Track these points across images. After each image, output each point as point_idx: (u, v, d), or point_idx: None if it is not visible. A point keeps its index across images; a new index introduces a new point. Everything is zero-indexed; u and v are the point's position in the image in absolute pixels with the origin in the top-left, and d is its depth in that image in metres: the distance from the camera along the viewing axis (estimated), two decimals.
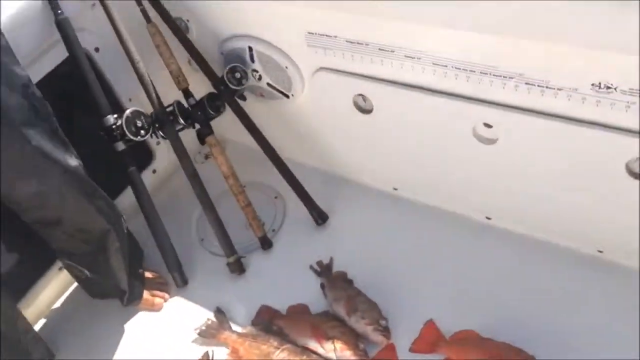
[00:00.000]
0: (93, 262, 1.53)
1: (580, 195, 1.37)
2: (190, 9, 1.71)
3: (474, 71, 1.29)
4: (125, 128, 1.54)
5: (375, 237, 1.71)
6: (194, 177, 1.65)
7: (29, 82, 1.30)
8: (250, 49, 1.67)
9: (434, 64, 1.35)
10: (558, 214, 1.48)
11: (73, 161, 1.35)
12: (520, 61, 1.22)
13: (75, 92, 1.61)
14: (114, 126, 1.55)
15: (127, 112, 1.56)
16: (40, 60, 1.53)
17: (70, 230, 1.43)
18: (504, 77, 1.26)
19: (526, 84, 1.24)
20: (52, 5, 1.48)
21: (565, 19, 1.06)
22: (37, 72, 1.50)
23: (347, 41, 1.46)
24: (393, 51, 1.39)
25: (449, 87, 1.37)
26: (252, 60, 1.69)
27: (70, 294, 1.79)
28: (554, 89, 1.21)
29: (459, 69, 1.32)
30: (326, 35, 1.49)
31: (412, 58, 1.37)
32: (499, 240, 1.62)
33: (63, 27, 1.49)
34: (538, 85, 1.23)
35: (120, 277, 1.57)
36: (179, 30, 1.68)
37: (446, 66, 1.33)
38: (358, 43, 1.44)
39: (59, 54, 1.55)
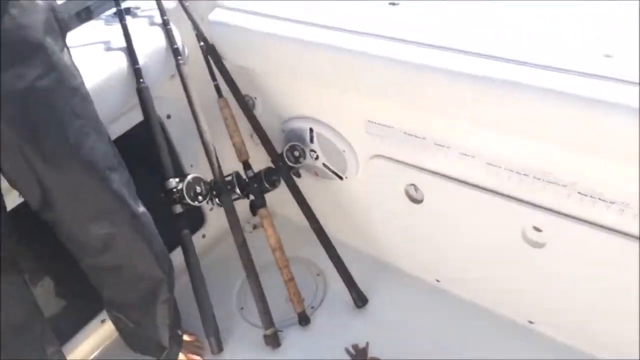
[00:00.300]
0: (141, 313, 1.58)
1: (628, 312, 1.35)
2: (259, 88, 1.82)
3: (528, 175, 1.33)
4: (185, 192, 1.62)
5: (413, 326, 1.70)
6: (243, 247, 1.70)
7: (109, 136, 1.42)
8: (311, 130, 1.76)
9: (488, 163, 1.39)
10: (602, 326, 1.45)
11: (140, 207, 1.45)
12: (574, 171, 1.25)
13: (140, 152, 1.71)
14: (174, 189, 1.63)
15: (189, 177, 1.64)
16: (118, 121, 1.64)
17: (127, 277, 1.50)
18: (556, 184, 1.29)
19: (579, 193, 1.27)
20: (136, 74, 1.60)
21: (621, 137, 1.09)
22: (113, 131, 1.61)
23: (404, 133, 1.52)
24: (449, 147, 1.45)
25: (501, 188, 1.40)
26: (312, 141, 1.77)
27: (106, 347, 1.83)
28: (606, 201, 1.23)
29: (513, 171, 1.35)
30: (385, 125, 1.56)
31: (467, 155, 1.42)
32: (540, 345, 1.59)
33: (143, 95, 1.61)
34: (590, 196, 1.25)
35: (163, 332, 1.61)
36: (247, 106, 1.79)
37: (500, 167, 1.37)
38: (415, 136, 1.50)
39: (135, 117, 1.66)
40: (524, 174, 1.33)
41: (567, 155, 1.23)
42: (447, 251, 1.68)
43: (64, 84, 1.27)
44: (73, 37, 1.57)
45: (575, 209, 1.29)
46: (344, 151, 1.71)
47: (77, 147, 1.28)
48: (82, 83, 1.33)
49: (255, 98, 1.87)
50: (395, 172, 1.61)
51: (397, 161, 1.59)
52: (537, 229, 1.40)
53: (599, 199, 1.24)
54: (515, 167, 1.34)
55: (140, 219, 1.44)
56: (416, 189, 1.61)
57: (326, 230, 1.79)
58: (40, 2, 1.23)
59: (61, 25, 1.31)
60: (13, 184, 1.29)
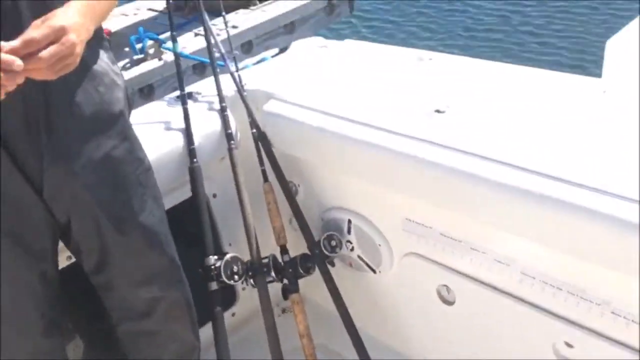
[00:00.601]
0: None
1: None
2: (304, 176, 1.90)
3: (561, 289, 1.34)
4: (222, 270, 1.67)
5: None
6: (272, 330, 1.71)
7: None
8: (350, 221, 1.81)
9: (522, 273, 1.41)
10: None
11: (183, 272, 1.51)
12: (609, 290, 1.26)
13: (183, 227, 1.78)
14: (212, 266, 1.69)
15: (228, 256, 1.70)
16: (167, 196, 1.72)
17: (162, 343, 1.52)
18: (590, 301, 1.29)
19: (612, 313, 1.27)
20: (190, 154, 1.71)
21: None
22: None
23: (441, 234, 1.56)
24: (484, 253, 1.47)
25: (534, 299, 1.41)
26: (349, 232, 1.82)
27: None
28: None
29: (547, 283, 1.37)
30: (422, 225, 1.60)
31: (502, 263, 1.44)
32: None
33: (194, 173, 1.70)
34: (624, 317, 1.25)
35: None
36: (290, 192, 1.85)
37: (534, 278, 1.39)
38: (451, 238, 1.54)
39: (184, 194, 1.75)
40: (558, 288, 1.34)
41: (603, 274, 1.24)
42: (475, 357, 1.66)
43: (133, 154, 1.38)
44: (141, 114, 1.71)
45: (608, 328, 1.29)
46: (379, 245, 1.75)
47: (139, 213, 1.38)
48: (146, 155, 1.44)
49: (298, 185, 1.95)
50: (428, 271, 1.63)
51: (432, 261, 1.62)
52: (569, 345, 1.39)
53: (632, 321, 1.23)
54: (549, 280, 1.35)
55: (185, 284, 1.50)
56: (448, 290, 1.63)
57: (355, 321, 1.80)
58: (119, 81, 1.36)
59: (129, 102, 1.44)
60: (73, 246, 1.37)
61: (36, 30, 1.05)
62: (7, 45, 1.01)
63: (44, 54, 1.04)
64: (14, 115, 1.17)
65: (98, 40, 1.28)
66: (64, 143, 1.24)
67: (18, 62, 1.00)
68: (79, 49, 1.09)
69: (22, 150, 1.20)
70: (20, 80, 1.03)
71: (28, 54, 1.03)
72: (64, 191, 1.27)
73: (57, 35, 1.05)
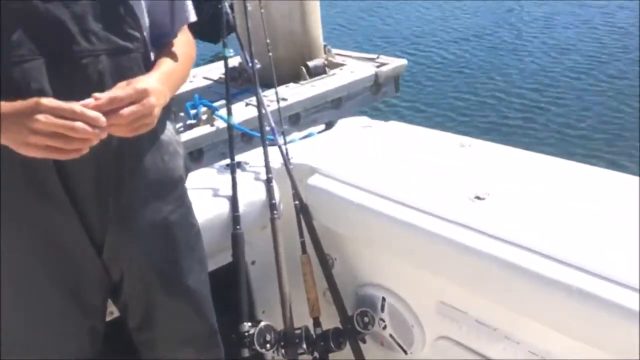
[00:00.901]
0: None
1: None
2: (341, 251, 1.93)
3: None
4: (255, 338, 1.69)
5: None
6: None
7: None
8: (384, 299, 1.82)
9: None
10: None
11: (219, 337, 1.56)
12: None
13: (219, 292, 1.82)
14: (246, 333, 1.71)
15: (262, 324, 1.72)
16: (209, 259, 1.77)
17: None
18: None
19: None
20: (234, 220, 1.77)
21: None
22: None
23: (476, 320, 1.56)
24: (518, 343, 1.46)
25: None
26: (382, 310, 1.83)
27: None
28: None
29: None
30: (457, 310, 1.60)
31: (536, 356, 1.42)
32: None
33: (236, 239, 1.76)
34: None
35: None
36: (326, 265, 1.88)
37: None
38: (486, 325, 1.53)
39: (225, 258, 1.80)
40: None
41: None
42: None
43: (187, 219, 1.45)
44: (193, 179, 1.79)
45: None
46: (412, 326, 1.75)
47: (187, 276, 1.44)
48: (197, 219, 1.51)
49: (335, 259, 1.98)
50: (460, 356, 1.62)
51: (465, 346, 1.61)
52: None
53: None
54: None
55: (221, 350, 1.54)
56: None
57: None
58: (180, 150, 1.45)
59: (186, 169, 1.52)
60: (121, 303, 1.42)
61: (121, 90, 1.15)
62: (93, 102, 1.11)
63: (126, 111, 1.13)
64: (86, 174, 1.24)
65: (167, 111, 1.38)
66: (130, 206, 1.31)
67: (102, 119, 1.10)
68: (157, 111, 1.19)
69: (89, 209, 1.27)
70: (103, 135, 1.12)
71: (110, 110, 1.12)
72: (122, 251, 1.33)
73: (139, 96, 1.15)
